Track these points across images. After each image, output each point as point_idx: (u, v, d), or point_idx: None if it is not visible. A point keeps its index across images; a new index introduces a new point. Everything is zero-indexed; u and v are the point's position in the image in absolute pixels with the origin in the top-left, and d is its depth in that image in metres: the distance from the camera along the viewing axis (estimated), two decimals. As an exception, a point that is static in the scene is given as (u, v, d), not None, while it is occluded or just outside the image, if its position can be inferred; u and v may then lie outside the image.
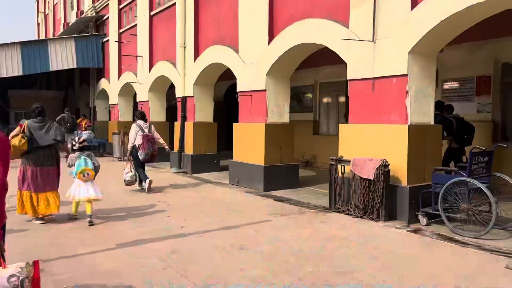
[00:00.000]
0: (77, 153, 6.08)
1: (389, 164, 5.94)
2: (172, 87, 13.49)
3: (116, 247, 4.81)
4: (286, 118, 9.02)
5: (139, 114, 9.04)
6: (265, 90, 8.73)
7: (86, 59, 18.34)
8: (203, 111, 11.75)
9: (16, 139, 5.82)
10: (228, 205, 7.20)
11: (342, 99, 12.43)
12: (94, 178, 6.02)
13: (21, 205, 5.92)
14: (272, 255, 4.56)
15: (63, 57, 17.80)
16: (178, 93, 12.30)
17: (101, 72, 19.02)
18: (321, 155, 12.65)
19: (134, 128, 8.67)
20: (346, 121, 12.03)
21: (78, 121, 17.25)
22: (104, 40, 18.53)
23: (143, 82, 14.65)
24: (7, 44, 16.71)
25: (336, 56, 7.47)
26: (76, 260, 4.36)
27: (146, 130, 8.66)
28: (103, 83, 18.73)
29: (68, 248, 4.78)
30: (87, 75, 20.54)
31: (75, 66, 18.17)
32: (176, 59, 12.34)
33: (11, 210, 6.53)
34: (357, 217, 6.20)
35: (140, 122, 8.76)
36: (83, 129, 17.09)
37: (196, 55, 11.44)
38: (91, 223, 5.82)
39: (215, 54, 10.45)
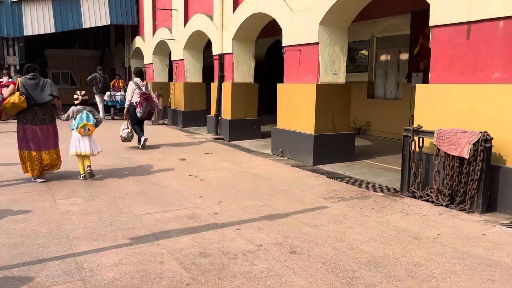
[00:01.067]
0: (79, 107, 6.04)
1: (491, 139, 4.41)
2: (209, 46, 12.16)
3: (129, 242, 3.69)
4: (342, 78, 7.51)
5: (136, 72, 9.01)
6: (317, 44, 7.21)
7: (119, 15, 17.22)
8: (242, 70, 10.37)
9: (15, 97, 5.58)
10: (271, 183, 5.95)
11: (404, 56, 10.66)
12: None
13: (23, 165, 5.87)
14: (336, 264, 3.28)
15: (96, 13, 16.77)
16: (215, 50, 10.95)
17: (136, 30, 17.90)
18: (376, 121, 11.10)
19: (131, 85, 8.75)
20: (409, 82, 10.37)
21: (112, 82, 16.33)
22: (138, -6, 17.28)
23: (178, 39, 13.38)
24: (38, 0, 15.81)
25: (400, 4, 5.87)
26: (74, 263, 3.27)
27: (143, 88, 8.70)
28: (137, 41, 17.64)
29: (70, 241, 3.71)
30: (123, 34, 19.53)
31: (108, 23, 17.13)
32: (213, 11, 10.92)
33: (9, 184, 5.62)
34: (441, 205, 4.78)
35: (137, 80, 8.81)
36: (121, 89, 16.10)
37: (236, 4, 9.96)
38: (90, 174, 6.01)
39: (257, 2, 8.93)
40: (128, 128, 8.63)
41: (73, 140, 5.94)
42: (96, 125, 6.06)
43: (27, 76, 5.76)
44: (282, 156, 8.10)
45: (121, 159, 7.72)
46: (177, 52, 13.47)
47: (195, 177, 6.28)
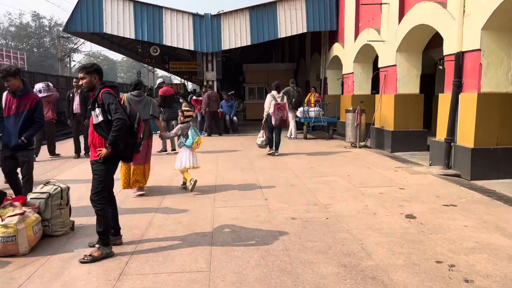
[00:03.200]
0: (185, 124, 6.24)
1: None
2: (428, 47, 8.99)
3: None
4: None
5: (275, 85, 9.61)
6: None
7: (317, 21, 15.36)
8: (496, 74, 6.90)
9: None
10: None
11: None
12: None
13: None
14: None
15: (292, 21, 15.30)
16: (448, 49, 7.73)
17: (334, 36, 15.76)
18: None
19: (268, 98, 9.55)
20: None
21: (308, 95, 14.51)
22: (339, -5, 15.13)
23: (388, 40, 10.55)
24: (236, 11, 15.21)
25: None
26: None
27: (279, 100, 9.42)
28: (335, 49, 15.46)
29: None
30: (319, 42, 17.71)
31: (305, 31, 15.44)
32: (448, -7, 7.75)
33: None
34: None
35: (274, 92, 9.53)
36: (311, 104, 14.11)
37: (491, -25, 6.60)
38: (191, 187, 5.97)
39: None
40: (263, 137, 9.32)
41: (183, 155, 6.12)
42: None
43: (133, 93, 5.99)
44: None
45: (316, 205, 5.37)
46: (387, 57, 10.63)
47: (450, 270, 3.38)
